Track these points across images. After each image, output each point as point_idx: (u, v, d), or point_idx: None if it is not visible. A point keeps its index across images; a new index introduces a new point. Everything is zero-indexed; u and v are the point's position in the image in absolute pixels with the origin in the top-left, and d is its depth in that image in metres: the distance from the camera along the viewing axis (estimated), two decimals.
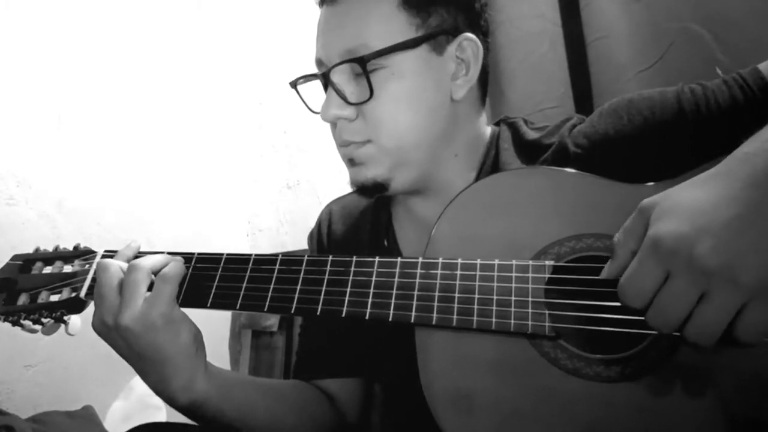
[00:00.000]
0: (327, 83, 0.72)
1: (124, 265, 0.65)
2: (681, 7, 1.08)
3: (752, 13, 1.00)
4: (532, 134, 0.77)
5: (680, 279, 0.44)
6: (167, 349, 0.62)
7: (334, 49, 0.71)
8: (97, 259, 0.73)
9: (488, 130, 0.82)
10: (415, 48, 0.70)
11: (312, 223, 0.98)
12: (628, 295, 0.47)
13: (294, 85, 0.79)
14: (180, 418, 0.74)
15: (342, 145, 0.74)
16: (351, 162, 0.74)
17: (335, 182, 1.71)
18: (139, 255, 0.70)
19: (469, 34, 0.73)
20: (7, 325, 0.71)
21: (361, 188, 0.75)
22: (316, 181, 1.82)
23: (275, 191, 1.83)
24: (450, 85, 0.73)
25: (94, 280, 0.67)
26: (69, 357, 1.18)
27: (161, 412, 1.27)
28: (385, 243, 0.84)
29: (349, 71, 0.71)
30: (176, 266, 0.65)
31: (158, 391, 0.65)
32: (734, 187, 0.45)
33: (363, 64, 0.67)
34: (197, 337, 0.66)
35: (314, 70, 0.76)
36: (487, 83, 0.80)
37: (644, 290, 0.46)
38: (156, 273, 0.64)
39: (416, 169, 0.74)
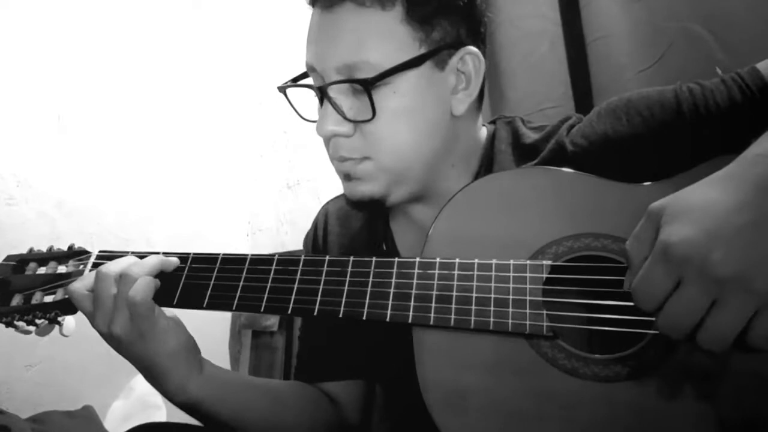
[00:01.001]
0: (323, 97, 0.69)
1: (119, 271, 0.65)
2: (681, 6, 1.07)
3: (752, 13, 1.00)
4: (531, 136, 0.75)
5: (692, 286, 0.43)
6: (156, 357, 0.64)
7: (330, 61, 0.67)
8: (92, 259, 0.73)
9: (484, 131, 0.80)
10: (419, 66, 0.67)
11: None
12: (639, 298, 0.46)
13: (283, 90, 0.75)
14: (180, 419, 0.74)
15: (338, 160, 0.72)
16: (347, 177, 0.72)
17: (335, 182, 1.70)
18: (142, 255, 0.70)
19: (472, 48, 0.70)
20: (2, 325, 0.71)
21: (358, 203, 0.73)
22: (316, 181, 1.82)
23: (275, 191, 1.83)
24: (450, 99, 0.71)
25: None
26: (69, 357, 1.19)
27: (161, 411, 1.28)
28: (384, 247, 0.83)
29: (347, 86, 0.68)
30: (142, 285, 0.63)
31: (157, 389, 0.67)
32: (746, 191, 0.44)
33: (367, 87, 0.65)
34: (187, 344, 0.67)
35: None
36: (483, 89, 0.77)
37: (655, 295, 0.45)
38: (155, 275, 0.65)
39: (414, 184, 0.73)
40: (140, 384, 1.28)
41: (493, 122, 0.81)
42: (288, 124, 1.83)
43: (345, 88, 0.68)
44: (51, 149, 1.21)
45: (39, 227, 1.17)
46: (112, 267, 0.64)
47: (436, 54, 0.68)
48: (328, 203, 0.95)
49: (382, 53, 0.65)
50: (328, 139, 0.71)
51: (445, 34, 0.68)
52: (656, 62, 1.12)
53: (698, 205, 0.45)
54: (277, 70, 1.75)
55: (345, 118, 0.68)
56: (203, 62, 1.63)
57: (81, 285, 0.66)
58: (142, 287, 0.62)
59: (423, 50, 0.67)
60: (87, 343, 1.18)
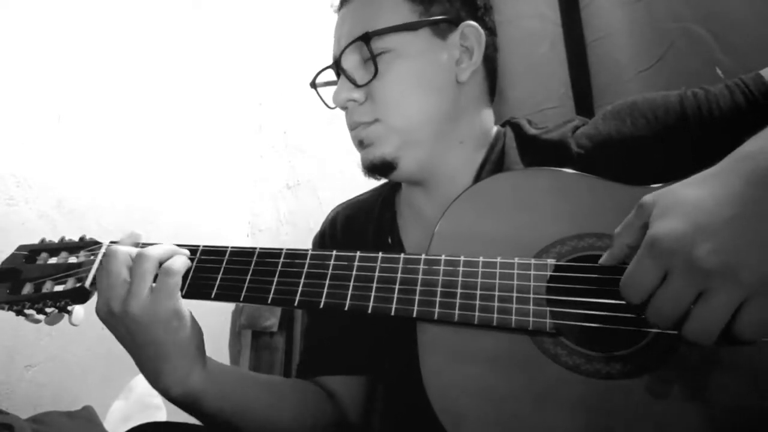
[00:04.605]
0: (339, 72, 0.76)
1: (133, 252, 0.64)
2: (681, 7, 1.08)
3: (752, 13, 1.00)
4: (536, 135, 0.78)
5: (679, 278, 0.44)
6: (166, 343, 0.62)
7: (343, 41, 0.75)
8: (103, 249, 0.73)
9: (494, 129, 0.83)
10: (416, 30, 0.74)
11: (312, 224, 0.98)
12: (627, 292, 0.47)
13: (313, 85, 0.82)
14: (180, 419, 0.74)
15: (352, 127, 0.77)
16: (361, 144, 0.77)
17: (335, 182, 1.71)
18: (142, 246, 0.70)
19: (471, 22, 0.76)
20: (8, 325, 0.71)
21: (371, 168, 0.77)
22: (316, 182, 1.82)
23: (275, 192, 1.83)
24: (455, 69, 0.76)
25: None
26: (69, 357, 1.18)
27: (161, 411, 1.27)
28: (389, 240, 0.84)
29: (358, 58, 0.75)
30: (180, 260, 0.64)
31: (151, 381, 0.65)
32: (734, 185, 0.45)
33: (367, 41, 0.71)
34: (198, 335, 0.67)
35: (314, 72, 0.78)
36: (495, 79, 0.83)
37: (643, 288, 0.46)
38: (162, 264, 0.64)
39: (423, 149, 0.76)
40: (140, 384, 1.28)
41: (502, 125, 0.84)
42: (288, 124, 1.83)
43: (357, 60, 0.75)
44: (51, 149, 1.21)
45: (39, 227, 1.17)
46: (125, 248, 0.65)
47: (434, 24, 0.74)
48: (338, 207, 0.97)
49: (384, 22, 0.73)
50: (344, 109, 0.77)
51: (444, 10, 0.76)
52: (656, 63, 1.12)
53: (687, 200, 0.46)
54: (278, 70, 1.76)
55: (356, 85, 0.74)
56: (203, 62, 1.63)
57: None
58: (180, 259, 0.64)
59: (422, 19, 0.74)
60: (87, 343, 1.18)
